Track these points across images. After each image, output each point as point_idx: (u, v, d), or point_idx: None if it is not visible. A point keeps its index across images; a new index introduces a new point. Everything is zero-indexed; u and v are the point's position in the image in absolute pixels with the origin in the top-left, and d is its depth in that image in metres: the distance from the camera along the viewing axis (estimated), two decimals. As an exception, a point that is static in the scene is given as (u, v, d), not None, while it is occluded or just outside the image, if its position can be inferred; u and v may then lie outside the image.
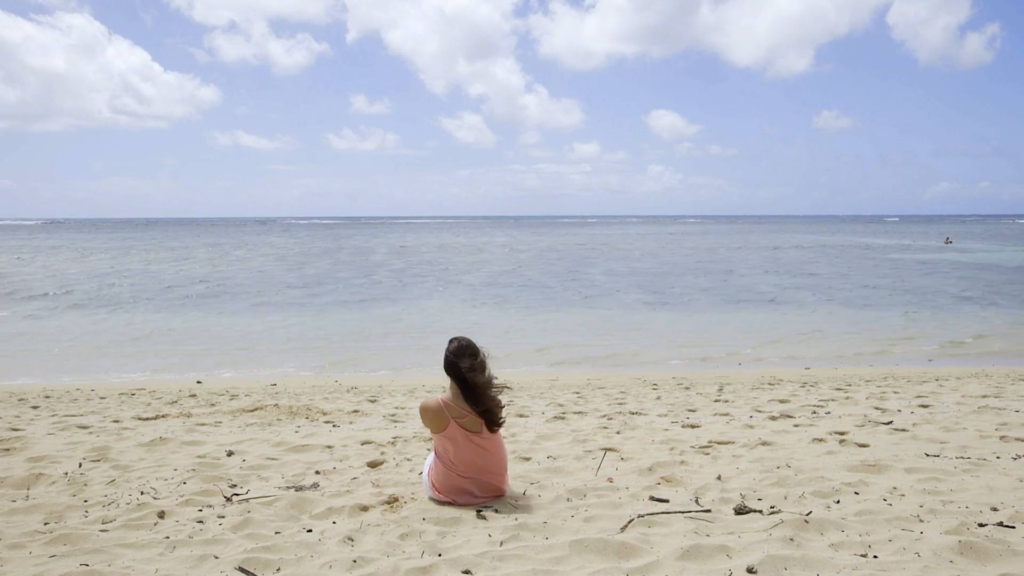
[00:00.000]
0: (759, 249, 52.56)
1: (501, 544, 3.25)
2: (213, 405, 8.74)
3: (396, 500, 4.04)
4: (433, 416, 3.99)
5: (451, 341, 4.09)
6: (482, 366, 3.99)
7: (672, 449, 5.40)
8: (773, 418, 6.96)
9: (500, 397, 4.14)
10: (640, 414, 7.45)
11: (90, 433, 6.38)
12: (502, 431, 6.30)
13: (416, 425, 6.69)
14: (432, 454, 4.15)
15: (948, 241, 59.09)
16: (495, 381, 4.05)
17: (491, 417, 3.99)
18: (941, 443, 5.50)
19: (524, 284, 27.42)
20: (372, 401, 9.07)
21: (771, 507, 3.77)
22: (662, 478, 4.46)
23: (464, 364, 3.94)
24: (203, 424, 7.10)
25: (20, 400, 9.21)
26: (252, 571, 2.86)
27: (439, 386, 10.67)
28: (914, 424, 6.30)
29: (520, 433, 6.14)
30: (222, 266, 37.20)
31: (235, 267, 36.58)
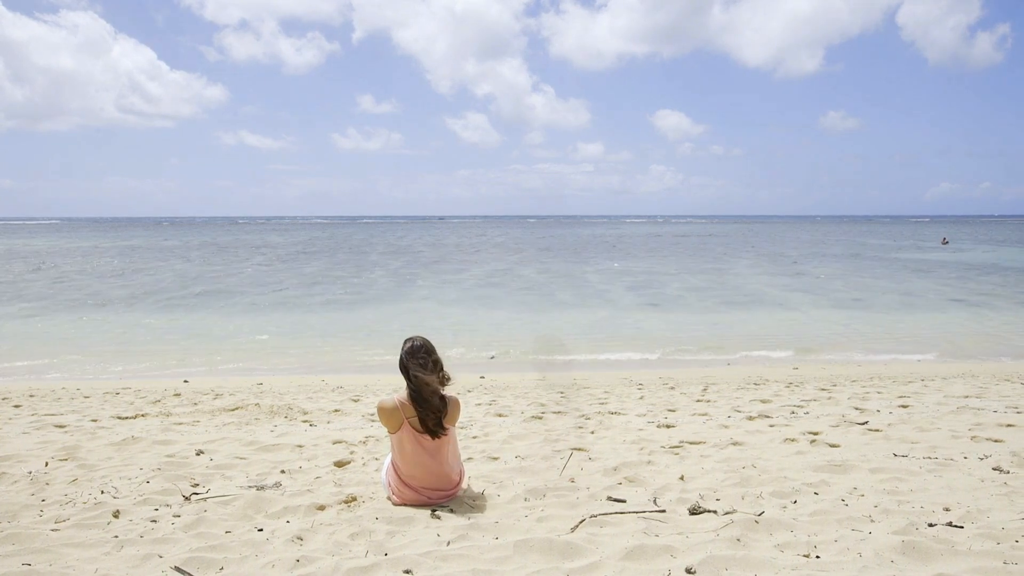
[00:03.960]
0: (760, 251, 52.47)
1: (448, 544, 3.25)
2: (195, 404, 8.73)
3: (354, 500, 4.03)
4: (388, 415, 3.98)
5: (406, 341, 4.07)
6: (433, 367, 3.94)
7: (642, 449, 5.39)
8: (750, 418, 6.95)
9: (457, 397, 4.11)
10: (619, 414, 7.44)
11: (65, 432, 6.38)
12: (476, 430, 6.31)
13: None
14: (391, 454, 4.14)
15: (945, 241, 58.96)
16: (447, 382, 4.02)
17: (433, 420, 3.94)
18: (912, 443, 5.48)
19: (520, 284, 27.40)
20: (355, 400, 9.07)
21: (727, 508, 3.76)
22: (625, 478, 4.45)
23: (412, 364, 3.92)
24: (181, 423, 7.09)
25: (3, 399, 9.21)
26: (189, 571, 2.85)
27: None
28: (889, 424, 6.29)
29: (493, 433, 6.14)
30: (219, 265, 37.21)
31: (232, 266, 36.58)
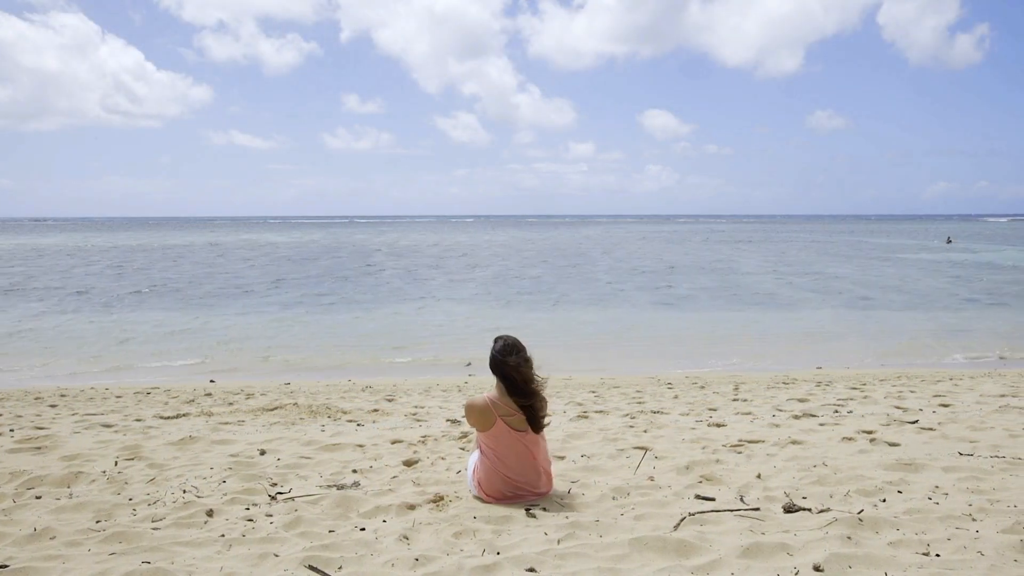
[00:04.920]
0: (767, 250, 52.55)
1: (559, 542, 3.25)
2: (231, 404, 8.72)
3: (441, 499, 4.03)
4: (479, 414, 3.99)
5: (496, 340, 4.08)
6: (529, 364, 3.99)
7: (704, 448, 5.41)
8: (796, 417, 6.98)
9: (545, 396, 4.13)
10: (662, 413, 7.46)
11: (116, 432, 6.36)
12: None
13: (444, 424, 6.69)
14: (476, 452, 4.15)
15: (949, 240, 59.15)
16: (540, 379, 4.05)
17: (536, 416, 3.99)
18: (972, 442, 5.50)
19: (527, 284, 27.41)
20: (390, 400, 9.07)
21: (819, 506, 3.78)
22: (702, 476, 4.46)
23: (511, 361, 3.94)
24: (226, 423, 7.09)
25: (36, 399, 9.19)
26: (321, 569, 2.85)
27: (454, 386, 10.67)
28: (940, 423, 6.31)
29: (547, 431, 6.13)
30: (226, 265, 37.13)
31: (233, 266, 36.50)
